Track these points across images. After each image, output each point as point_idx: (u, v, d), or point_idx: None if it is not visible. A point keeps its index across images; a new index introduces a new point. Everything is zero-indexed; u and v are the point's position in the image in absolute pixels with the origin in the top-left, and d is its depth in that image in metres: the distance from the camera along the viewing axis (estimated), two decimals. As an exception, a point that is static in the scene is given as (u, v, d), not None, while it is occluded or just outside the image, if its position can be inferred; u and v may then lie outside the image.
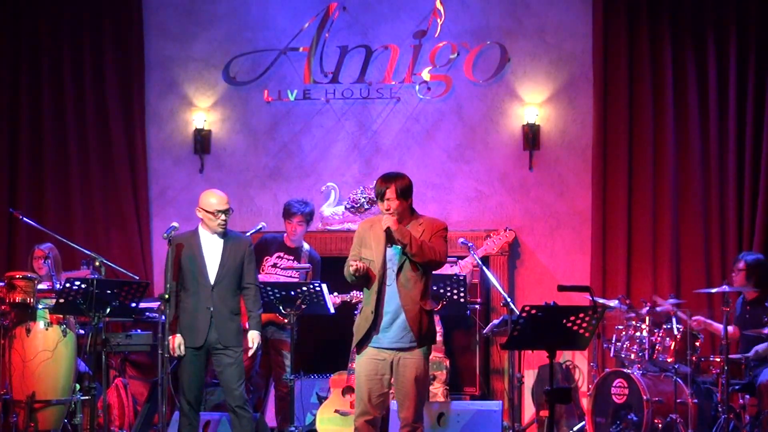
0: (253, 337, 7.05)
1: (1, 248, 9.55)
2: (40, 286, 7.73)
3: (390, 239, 6.10)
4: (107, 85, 9.58)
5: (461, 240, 8.00)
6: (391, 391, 6.41)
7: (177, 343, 6.90)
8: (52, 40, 9.61)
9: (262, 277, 8.03)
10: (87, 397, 7.52)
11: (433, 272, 7.90)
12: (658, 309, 8.07)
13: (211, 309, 6.94)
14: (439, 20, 9.31)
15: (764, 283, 7.96)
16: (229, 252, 7.01)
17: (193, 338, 6.93)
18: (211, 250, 7.01)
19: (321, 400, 8.06)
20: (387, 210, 6.13)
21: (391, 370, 6.20)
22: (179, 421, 7.03)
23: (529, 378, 8.91)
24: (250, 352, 7.10)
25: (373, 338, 6.19)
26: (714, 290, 7.99)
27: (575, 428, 8.45)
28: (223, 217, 6.98)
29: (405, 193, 6.15)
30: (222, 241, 7.02)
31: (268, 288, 7.46)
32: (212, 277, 6.97)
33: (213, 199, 7.02)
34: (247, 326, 7.08)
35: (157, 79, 9.68)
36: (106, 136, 9.59)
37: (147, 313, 8.26)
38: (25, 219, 8.35)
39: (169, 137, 9.70)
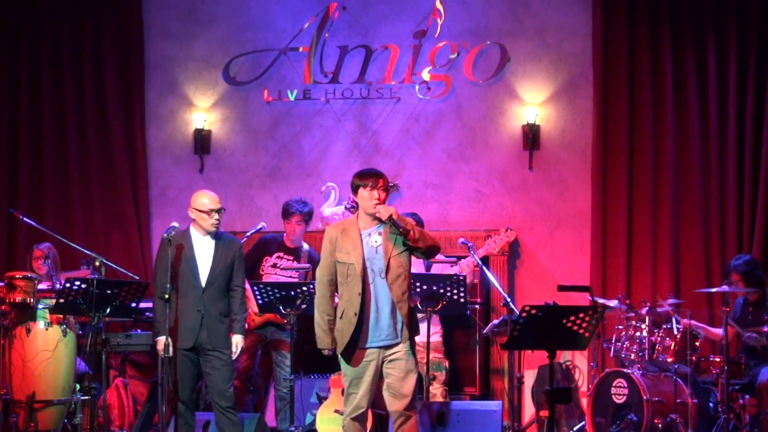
0: (237, 342, 7.02)
1: (1, 248, 9.55)
2: (40, 286, 7.73)
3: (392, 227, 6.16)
4: (107, 85, 9.58)
5: (461, 240, 7.99)
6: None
7: (164, 344, 6.85)
8: (52, 41, 9.61)
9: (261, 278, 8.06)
10: (87, 397, 7.53)
11: (433, 272, 7.95)
12: (659, 310, 8.05)
13: (202, 311, 6.92)
14: (439, 20, 9.31)
15: (762, 281, 7.96)
16: (221, 253, 6.99)
17: (184, 339, 6.91)
18: (203, 251, 6.99)
19: (321, 400, 8.06)
20: (378, 200, 6.21)
21: (378, 370, 6.23)
22: (175, 421, 7.03)
23: (529, 378, 8.90)
24: (234, 356, 7.05)
25: (359, 340, 6.21)
26: (714, 290, 7.99)
27: (575, 428, 8.45)
28: (216, 216, 6.97)
29: (388, 190, 6.34)
30: (213, 242, 7.01)
31: (268, 288, 7.46)
32: (204, 278, 6.96)
33: (205, 199, 7.00)
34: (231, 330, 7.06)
35: (157, 79, 9.68)
36: (106, 136, 9.59)
37: (147, 313, 8.25)
38: (25, 219, 8.35)
39: (169, 137, 9.69)
